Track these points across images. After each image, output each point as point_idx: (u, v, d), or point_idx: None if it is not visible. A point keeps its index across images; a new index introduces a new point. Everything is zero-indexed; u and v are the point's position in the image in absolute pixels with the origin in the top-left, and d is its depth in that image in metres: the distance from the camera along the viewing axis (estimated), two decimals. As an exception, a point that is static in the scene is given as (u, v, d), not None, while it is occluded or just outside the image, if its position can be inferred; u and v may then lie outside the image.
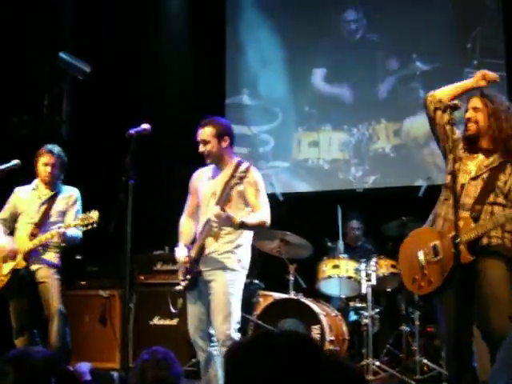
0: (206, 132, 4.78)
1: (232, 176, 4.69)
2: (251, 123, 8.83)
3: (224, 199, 4.69)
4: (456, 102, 4.05)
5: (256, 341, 2.10)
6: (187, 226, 5.03)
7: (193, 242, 4.92)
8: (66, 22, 8.25)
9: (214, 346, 4.78)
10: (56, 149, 5.73)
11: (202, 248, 4.77)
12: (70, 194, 5.77)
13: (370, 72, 8.36)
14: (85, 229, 5.45)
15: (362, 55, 8.38)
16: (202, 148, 4.79)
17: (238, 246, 4.80)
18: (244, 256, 4.83)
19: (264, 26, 8.83)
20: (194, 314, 4.82)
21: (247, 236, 4.87)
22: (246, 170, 4.62)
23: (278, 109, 8.71)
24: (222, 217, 4.55)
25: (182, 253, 4.84)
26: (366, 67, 8.35)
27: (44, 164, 5.68)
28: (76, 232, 5.59)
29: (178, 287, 4.83)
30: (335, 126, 8.51)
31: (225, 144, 4.81)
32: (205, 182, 4.93)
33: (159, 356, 3.37)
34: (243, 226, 4.66)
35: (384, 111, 8.32)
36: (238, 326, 4.72)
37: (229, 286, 4.70)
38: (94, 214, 5.33)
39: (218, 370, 4.73)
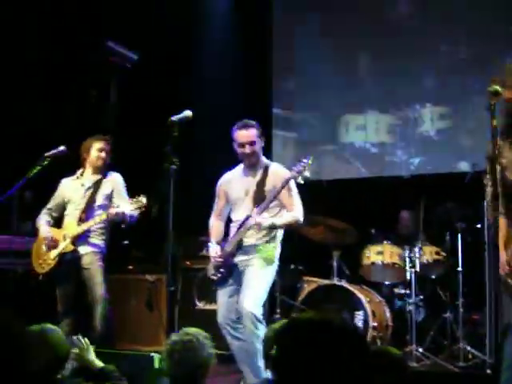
0: (253, 133, 5.09)
1: (263, 179, 5.10)
2: (298, 108, 8.84)
3: (260, 200, 5.01)
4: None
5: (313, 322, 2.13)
6: (217, 226, 5.38)
7: (224, 239, 5.27)
8: (114, 10, 8.33)
9: (240, 332, 5.04)
10: (108, 136, 5.95)
11: (241, 241, 5.08)
12: (113, 177, 5.89)
13: (417, 56, 8.28)
14: (137, 213, 5.57)
15: (408, 39, 8.31)
16: (249, 149, 5.06)
17: (272, 238, 5.13)
18: (277, 248, 5.18)
19: (311, 11, 8.80)
20: (224, 304, 5.14)
21: (280, 231, 5.20)
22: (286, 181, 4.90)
23: (324, 93, 8.70)
24: (261, 223, 4.92)
25: (214, 249, 5.17)
26: (413, 51, 8.27)
27: (99, 150, 5.84)
28: (133, 212, 5.69)
29: (212, 276, 5.17)
30: (382, 110, 8.49)
31: (262, 145, 5.19)
32: (237, 182, 5.25)
33: (188, 337, 3.41)
34: (273, 227, 5.05)
35: (430, 95, 8.26)
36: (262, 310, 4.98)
37: (263, 269, 5.05)
38: (143, 199, 5.44)
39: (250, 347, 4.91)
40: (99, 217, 5.64)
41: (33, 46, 8.24)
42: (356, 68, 8.66)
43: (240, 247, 5.10)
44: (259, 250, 5.08)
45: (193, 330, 3.54)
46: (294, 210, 5.07)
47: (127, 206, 5.56)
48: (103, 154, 5.84)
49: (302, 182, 4.87)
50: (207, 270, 5.28)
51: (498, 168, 3.80)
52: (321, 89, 8.71)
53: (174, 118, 4.48)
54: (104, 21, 8.27)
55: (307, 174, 4.82)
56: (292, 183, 5.04)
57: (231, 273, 5.13)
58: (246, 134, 5.07)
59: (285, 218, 5.10)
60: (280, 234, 5.20)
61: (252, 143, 5.08)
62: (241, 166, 5.29)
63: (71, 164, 5.95)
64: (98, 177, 5.87)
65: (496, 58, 7.29)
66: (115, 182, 5.88)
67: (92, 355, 4.00)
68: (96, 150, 5.84)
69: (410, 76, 8.30)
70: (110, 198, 5.79)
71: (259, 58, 8.78)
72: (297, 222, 5.12)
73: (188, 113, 4.53)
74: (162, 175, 4.33)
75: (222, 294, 5.17)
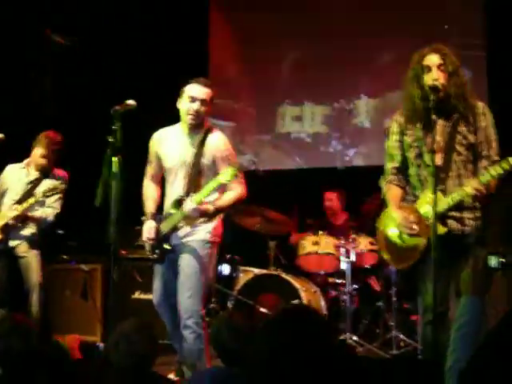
0: (208, 93, 4.67)
1: (202, 145, 4.64)
2: (235, 97, 8.88)
3: (195, 174, 4.64)
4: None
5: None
6: (151, 192, 4.90)
7: (158, 209, 4.85)
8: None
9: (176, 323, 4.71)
10: (56, 141, 5.75)
11: (176, 226, 4.68)
12: (57, 181, 5.76)
13: (352, 50, 8.39)
14: (57, 204, 5.65)
15: (346, 33, 8.44)
16: (197, 106, 4.61)
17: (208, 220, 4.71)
18: (216, 227, 4.74)
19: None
20: (160, 287, 4.79)
21: None
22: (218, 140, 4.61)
23: (261, 83, 8.76)
24: (198, 213, 4.54)
25: (148, 227, 4.73)
26: (349, 46, 8.39)
27: (41, 156, 5.72)
28: (44, 214, 5.67)
29: (150, 255, 4.79)
30: (317, 101, 8.58)
31: (210, 110, 4.75)
32: (171, 146, 4.77)
33: (132, 329, 3.37)
34: (219, 211, 4.66)
35: (364, 87, 8.40)
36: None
37: (201, 257, 4.63)
38: (62, 184, 5.52)
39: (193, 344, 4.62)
40: (21, 206, 5.55)
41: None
42: (292, 59, 8.71)
43: (174, 229, 4.68)
44: (195, 231, 4.66)
45: (135, 320, 3.54)
46: (236, 185, 4.65)
47: (48, 210, 5.60)
48: (43, 161, 5.73)
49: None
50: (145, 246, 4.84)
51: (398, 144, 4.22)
52: (258, 78, 8.76)
53: (118, 106, 4.42)
54: (44, 5, 8.08)
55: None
56: (232, 153, 4.73)
57: (164, 256, 4.74)
58: (201, 90, 4.62)
59: (228, 197, 4.66)
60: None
61: (203, 102, 4.62)
62: (176, 128, 4.82)
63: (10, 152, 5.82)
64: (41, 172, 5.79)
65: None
66: (57, 184, 5.72)
67: None
68: (37, 156, 5.74)
69: (346, 68, 8.42)
70: (46, 197, 5.66)
71: (197, 45, 8.75)
72: (242, 198, 4.72)
73: (131, 102, 4.48)
74: (106, 165, 4.29)
75: (159, 275, 4.81)
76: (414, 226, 4.07)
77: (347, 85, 8.47)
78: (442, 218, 3.99)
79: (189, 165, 4.67)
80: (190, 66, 8.44)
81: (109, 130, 4.32)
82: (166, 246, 4.72)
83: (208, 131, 4.73)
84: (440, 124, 4.09)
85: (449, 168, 4.06)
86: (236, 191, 4.68)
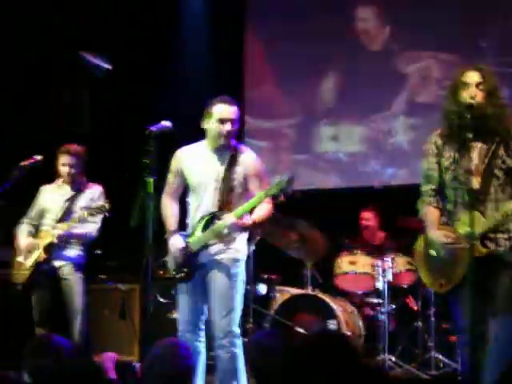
0: (236, 111, 4.63)
1: (233, 163, 4.59)
2: (272, 117, 8.92)
3: (227, 190, 4.57)
4: None
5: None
6: (171, 209, 4.80)
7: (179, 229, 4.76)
8: (86, 19, 8.32)
9: (201, 342, 4.65)
10: (73, 148, 5.75)
11: (208, 242, 4.57)
12: (94, 190, 5.81)
13: (388, 68, 8.40)
14: (100, 221, 5.63)
15: (382, 54, 8.46)
16: (229, 127, 4.57)
17: (240, 238, 4.67)
18: (244, 245, 4.69)
19: (284, 22, 8.85)
20: (186, 307, 4.66)
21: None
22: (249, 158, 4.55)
23: (298, 103, 8.79)
24: (238, 227, 4.48)
25: (177, 241, 4.64)
26: (385, 64, 8.40)
27: (62, 164, 5.74)
28: (87, 230, 5.68)
29: (175, 274, 4.63)
30: (355, 121, 8.58)
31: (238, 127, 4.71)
32: (199, 162, 4.70)
33: (168, 350, 3.37)
34: (256, 224, 4.61)
35: (401, 107, 8.38)
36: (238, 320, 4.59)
37: (234, 275, 4.56)
38: (106, 203, 5.41)
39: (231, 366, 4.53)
40: (66, 224, 5.56)
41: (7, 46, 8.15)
42: (329, 79, 8.71)
43: (204, 246, 4.57)
44: (226, 249, 4.57)
45: (172, 340, 3.54)
46: (263, 209, 4.55)
47: (90, 226, 5.62)
48: (67, 169, 5.73)
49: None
50: (167, 262, 4.71)
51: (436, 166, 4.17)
52: (295, 99, 8.79)
53: (153, 128, 4.46)
54: (80, 29, 8.22)
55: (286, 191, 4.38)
56: (263, 170, 4.69)
57: (194, 274, 4.59)
58: (231, 110, 4.57)
59: (263, 210, 4.55)
60: (242, 236, 4.70)
61: (233, 122, 4.57)
62: (201, 145, 4.75)
63: (48, 173, 5.90)
64: (75, 190, 5.81)
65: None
66: (95, 194, 5.78)
67: None
68: (60, 165, 5.76)
69: (383, 87, 8.41)
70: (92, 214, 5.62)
71: (232, 67, 8.82)
72: (272, 214, 4.62)
73: (166, 123, 4.53)
74: (142, 186, 4.33)
75: (185, 296, 4.65)
76: (456, 245, 4.03)
77: (384, 104, 8.43)
78: (482, 239, 3.97)
79: (219, 181, 4.59)
80: (225, 86, 8.50)
81: (144, 151, 4.36)
82: (198, 261, 4.59)
83: (237, 149, 4.69)
84: (478, 147, 4.06)
85: (487, 192, 4.03)
86: (269, 206, 4.58)
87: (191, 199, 4.76)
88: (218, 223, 4.49)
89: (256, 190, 4.55)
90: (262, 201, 4.44)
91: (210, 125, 4.62)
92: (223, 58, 8.69)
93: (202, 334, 4.70)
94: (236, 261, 4.62)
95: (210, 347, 4.78)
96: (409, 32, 8.26)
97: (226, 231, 4.47)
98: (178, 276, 4.63)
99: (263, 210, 4.56)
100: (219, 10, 8.79)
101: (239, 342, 4.57)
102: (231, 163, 4.61)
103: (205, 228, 4.59)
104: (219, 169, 4.63)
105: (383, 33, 8.48)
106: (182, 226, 4.82)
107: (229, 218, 4.44)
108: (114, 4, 8.43)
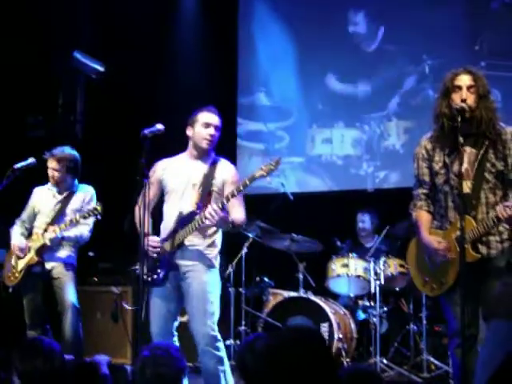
0: (219, 120, 4.81)
1: (213, 170, 4.70)
2: (265, 120, 8.94)
3: (205, 194, 4.65)
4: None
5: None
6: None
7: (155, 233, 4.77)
8: (81, 21, 8.31)
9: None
10: (59, 153, 5.76)
11: (180, 241, 4.61)
12: (85, 192, 5.84)
13: (381, 72, 8.44)
14: (92, 223, 5.65)
15: (376, 58, 8.49)
16: (213, 131, 4.74)
17: (214, 242, 4.73)
18: (218, 254, 4.76)
19: (276, 25, 8.89)
20: (161, 313, 4.66)
21: (221, 234, 4.79)
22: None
23: (292, 106, 8.83)
24: (219, 215, 4.44)
25: (154, 242, 4.64)
26: (378, 68, 8.45)
27: (49, 168, 5.77)
28: (79, 231, 5.69)
29: (146, 277, 4.55)
30: (348, 124, 8.61)
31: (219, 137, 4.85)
32: (178, 170, 4.79)
33: (159, 352, 3.36)
34: (233, 226, 4.62)
35: (394, 109, 8.41)
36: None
37: (211, 280, 4.62)
38: (98, 206, 5.41)
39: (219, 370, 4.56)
40: (59, 227, 5.57)
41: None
42: (322, 81, 8.74)
43: (179, 247, 4.62)
44: (202, 255, 4.61)
45: (164, 343, 3.54)
46: (241, 210, 4.70)
47: (82, 227, 5.65)
48: (51, 173, 5.75)
49: (269, 179, 4.71)
50: (136, 270, 4.60)
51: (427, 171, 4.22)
52: (288, 100, 8.81)
53: (146, 131, 4.47)
54: (73, 30, 8.22)
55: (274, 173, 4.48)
56: (238, 177, 4.79)
57: (168, 275, 4.64)
58: (215, 118, 4.77)
59: (240, 215, 4.68)
60: (219, 240, 4.76)
61: (217, 128, 4.76)
62: (182, 156, 4.88)
63: (42, 175, 5.90)
64: (65, 192, 5.83)
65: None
66: (86, 196, 5.82)
67: None
68: (48, 169, 5.79)
69: (376, 90, 8.45)
70: (79, 212, 5.66)
71: (226, 69, 8.83)
72: (243, 224, 4.79)
73: (159, 126, 4.53)
74: (135, 188, 4.33)
75: (159, 301, 4.66)
76: (447, 253, 4.05)
77: (377, 106, 8.46)
78: (473, 243, 3.99)
79: (198, 184, 4.70)
80: (219, 88, 8.53)
81: (138, 154, 4.36)
82: (174, 262, 4.62)
83: (216, 160, 4.82)
84: (468, 151, 4.07)
85: (478, 195, 4.04)
86: (243, 215, 4.71)
87: (168, 204, 4.80)
88: (201, 215, 4.51)
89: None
90: (249, 183, 4.43)
91: (195, 129, 4.76)
92: (217, 60, 8.70)
93: (175, 339, 4.73)
94: (211, 266, 4.67)
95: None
96: (403, 33, 8.30)
97: (208, 216, 4.42)
98: (149, 279, 4.61)
99: (240, 214, 4.68)
100: (212, 9, 8.81)
101: (221, 344, 4.61)
102: (211, 170, 4.75)
103: (182, 225, 4.62)
104: (199, 174, 4.74)
105: (377, 33, 8.51)
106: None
107: (212, 206, 4.45)
108: (110, 6, 8.42)
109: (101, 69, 8.10)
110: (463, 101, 4.03)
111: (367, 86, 8.46)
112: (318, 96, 8.73)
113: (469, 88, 4.07)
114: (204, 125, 4.73)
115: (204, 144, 4.74)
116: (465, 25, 8.06)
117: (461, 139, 3.94)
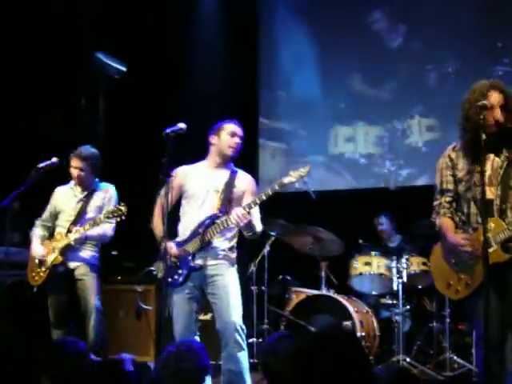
0: (242, 134, 5.00)
1: (233, 178, 4.90)
2: (287, 119, 8.95)
3: (226, 201, 4.84)
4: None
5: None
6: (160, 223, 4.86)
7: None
8: (103, 22, 8.36)
9: None
10: (84, 152, 5.79)
11: (207, 241, 4.76)
12: (106, 190, 5.86)
13: (404, 70, 8.42)
14: (115, 221, 5.63)
15: (399, 56, 8.48)
16: (239, 140, 4.95)
17: (234, 246, 4.95)
18: (235, 251, 4.97)
19: (297, 25, 8.91)
20: (184, 313, 4.81)
21: (234, 241, 4.97)
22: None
23: (314, 105, 8.81)
24: (246, 219, 4.64)
25: (170, 246, 4.79)
26: (401, 66, 8.43)
27: (73, 167, 5.79)
28: (103, 230, 5.71)
29: (168, 278, 4.74)
30: (370, 122, 8.60)
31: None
32: (200, 177, 4.95)
33: (183, 348, 3.40)
34: (254, 232, 4.84)
35: (417, 108, 8.38)
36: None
37: (235, 278, 4.87)
38: (123, 207, 5.45)
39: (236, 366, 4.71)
40: (83, 228, 5.60)
41: (19, 54, 8.21)
42: (345, 80, 8.73)
43: (203, 248, 4.79)
44: (225, 255, 4.84)
45: (189, 340, 3.56)
46: (259, 220, 4.91)
47: (105, 226, 5.67)
48: (76, 172, 5.77)
49: (298, 186, 4.84)
50: (157, 269, 4.87)
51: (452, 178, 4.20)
52: (310, 100, 8.80)
53: (169, 130, 4.50)
54: (94, 31, 8.26)
55: (305, 180, 4.66)
56: (256, 187, 5.03)
57: (189, 275, 4.79)
58: (239, 129, 4.98)
59: (257, 221, 4.90)
60: (235, 244, 4.96)
61: (241, 139, 4.98)
62: (203, 163, 5.03)
63: (59, 174, 5.91)
64: (87, 191, 5.85)
65: (482, 71, 7.43)
66: (107, 194, 5.84)
67: None
68: (71, 168, 5.80)
69: (399, 88, 8.42)
70: (101, 210, 5.71)
71: (247, 69, 8.85)
72: (260, 233, 4.97)
73: (182, 125, 4.56)
74: (158, 187, 4.36)
75: (182, 300, 4.81)
76: (475, 250, 4.02)
77: (400, 105, 8.44)
78: (503, 244, 3.97)
79: (221, 192, 4.88)
80: (239, 87, 8.54)
81: (161, 153, 4.39)
82: (196, 263, 4.78)
83: (236, 171, 5.00)
84: (490, 158, 4.08)
85: (506, 201, 4.04)
86: (260, 223, 4.93)
87: (188, 208, 4.94)
88: (226, 218, 4.70)
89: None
90: (279, 189, 4.60)
91: (221, 137, 4.93)
92: (239, 59, 8.70)
93: (197, 338, 4.84)
94: (233, 264, 4.91)
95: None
96: (426, 31, 8.27)
97: (236, 219, 4.62)
98: (170, 279, 4.77)
99: (259, 222, 4.90)
100: (233, 11, 8.82)
101: (244, 336, 4.77)
102: (232, 178, 4.94)
103: (205, 227, 4.78)
104: (221, 181, 4.92)
105: (400, 32, 8.49)
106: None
107: (240, 209, 4.64)
108: (130, 7, 8.46)
109: (123, 69, 8.14)
110: (497, 120, 4.03)
111: (390, 84, 8.45)
112: (340, 95, 8.74)
113: (501, 106, 4.06)
114: (230, 133, 4.92)
115: (229, 151, 4.92)
116: (487, 21, 8.00)
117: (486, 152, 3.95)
